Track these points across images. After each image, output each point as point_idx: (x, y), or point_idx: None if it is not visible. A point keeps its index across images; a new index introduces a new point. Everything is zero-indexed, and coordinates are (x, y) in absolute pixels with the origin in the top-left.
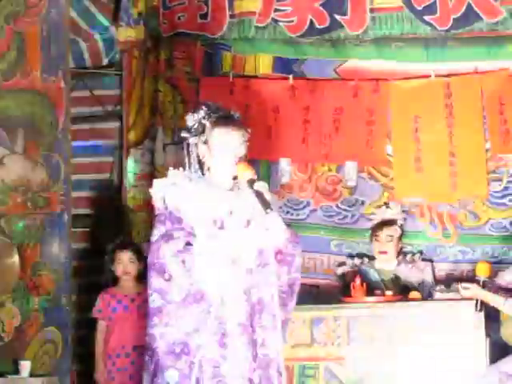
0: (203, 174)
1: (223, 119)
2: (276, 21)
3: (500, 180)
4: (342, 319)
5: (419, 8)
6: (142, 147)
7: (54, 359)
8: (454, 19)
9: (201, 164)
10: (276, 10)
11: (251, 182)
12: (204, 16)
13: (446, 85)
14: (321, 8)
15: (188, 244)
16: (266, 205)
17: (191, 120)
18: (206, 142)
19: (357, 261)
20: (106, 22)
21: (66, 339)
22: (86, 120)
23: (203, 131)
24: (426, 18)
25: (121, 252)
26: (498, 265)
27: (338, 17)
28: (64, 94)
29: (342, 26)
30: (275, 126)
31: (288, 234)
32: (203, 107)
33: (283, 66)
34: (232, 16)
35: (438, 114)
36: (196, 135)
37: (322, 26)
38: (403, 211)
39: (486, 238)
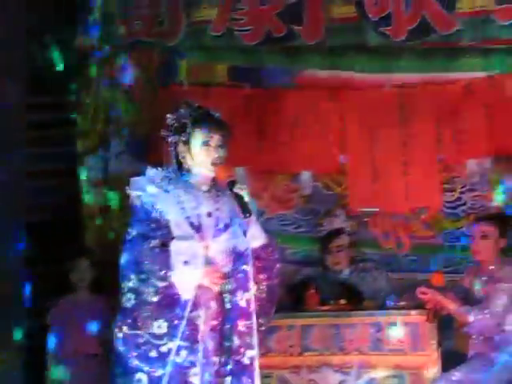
0: (182, 174)
1: (205, 120)
2: (232, 30)
3: (453, 191)
4: (295, 328)
5: (374, 19)
6: (95, 155)
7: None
8: (408, 31)
9: (180, 164)
10: (232, 19)
11: (232, 184)
12: (160, 24)
13: (400, 95)
14: (277, 17)
15: (164, 245)
16: (245, 209)
17: (171, 119)
18: (186, 142)
19: (311, 270)
20: (63, 29)
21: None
22: (41, 127)
23: (184, 130)
24: (381, 29)
25: (77, 260)
26: (451, 275)
27: (294, 26)
28: (19, 100)
29: (298, 36)
30: (231, 135)
31: (267, 240)
32: (184, 106)
33: (239, 74)
34: (188, 24)
35: (392, 124)
36: (176, 134)
37: (278, 36)
38: (359, 221)
39: (438, 248)
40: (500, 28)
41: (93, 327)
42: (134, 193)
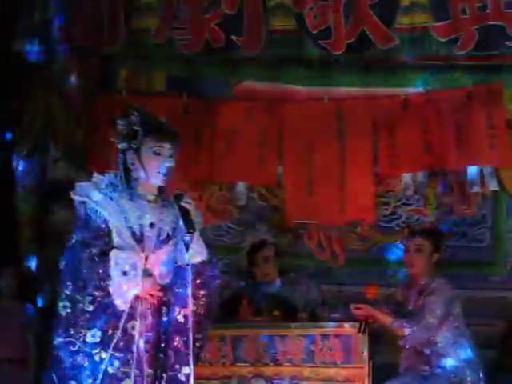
0: (128, 182)
1: (156, 128)
2: (172, 38)
3: (388, 204)
4: (227, 338)
5: (314, 31)
6: (32, 159)
7: None
8: (348, 44)
9: (127, 171)
10: (173, 28)
11: (178, 197)
12: (100, 31)
13: (338, 109)
14: (217, 28)
15: (104, 254)
16: (189, 224)
17: (121, 124)
18: (136, 150)
19: (243, 281)
20: (1, 33)
21: None
22: None
23: (135, 138)
24: (321, 42)
25: (3, 267)
26: (384, 288)
27: (234, 37)
28: None
29: (237, 46)
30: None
31: (208, 256)
32: (134, 112)
33: (178, 84)
34: (128, 32)
35: (329, 137)
36: (125, 141)
37: (217, 46)
38: (295, 233)
39: (372, 261)
40: (438, 44)
41: (16, 333)
42: (78, 198)
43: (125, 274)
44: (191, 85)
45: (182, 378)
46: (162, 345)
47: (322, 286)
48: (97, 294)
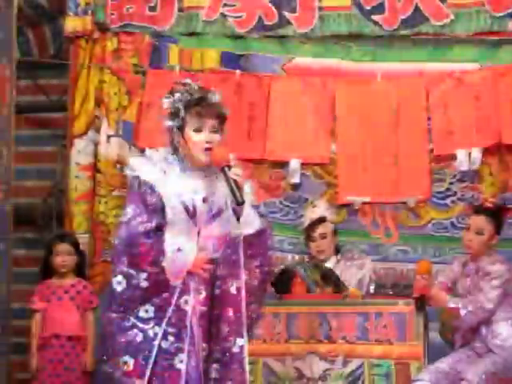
0: (179, 158)
1: (198, 104)
2: (224, 16)
3: (443, 181)
4: (281, 316)
5: (367, 7)
6: (85, 138)
7: None
8: (401, 20)
9: (176, 148)
10: (225, 5)
11: (225, 169)
12: (152, 8)
13: (391, 85)
14: (269, 4)
15: (158, 229)
16: (238, 195)
17: (166, 103)
18: (179, 128)
19: (297, 258)
20: (53, 12)
21: (4, 328)
22: (31, 109)
23: (177, 116)
24: (374, 17)
25: (59, 244)
26: (439, 265)
27: (286, 14)
28: (9, 83)
29: (290, 23)
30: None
31: (261, 227)
32: (180, 88)
33: (230, 61)
34: (180, 9)
35: (383, 113)
36: (170, 119)
37: (270, 23)
38: (348, 210)
39: (427, 238)
40: (493, 19)
41: (74, 310)
42: (131, 173)
43: (179, 249)
44: (243, 62)
45: (236, 350)
46: (216, 319)
47: (376, 263)
48: (151, 269)
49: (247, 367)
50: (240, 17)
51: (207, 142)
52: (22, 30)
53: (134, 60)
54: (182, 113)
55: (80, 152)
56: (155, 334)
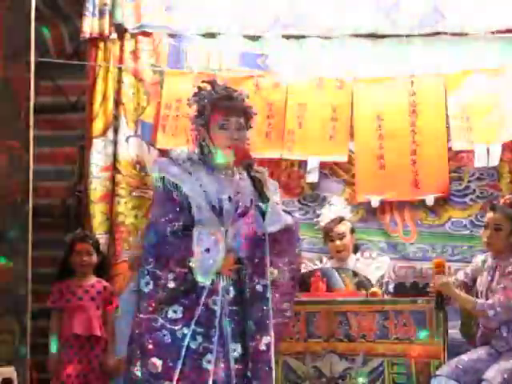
0: (204, 158)
1: (222, 102)
2: (242, 16)
3: (461, 179)
4: (301, 314)
5: (385, 6)
6: (104, 139)
7: (11, 349)
8: (419, 18)
9: (201, 147)
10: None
11: (248, 168)
12: (169, 9)
13: (409, 83)
14: (287, 4)
15: (186, 229)
16: (262, 193)
17: (192, 102)
18: (204, 126)
19: (316, 257)
20: (71, 12)
21: (24, 328)
22: (50, 110)
23: (203, 114)
24: (392, 16)
25: (79, 244)
26: (458, 263)
27: (304, 13)
28: (27, 84)
29: (308, 23)
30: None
31: (287, 224)
32: (206, 87)
33: (248, 60)
34: (198, 10)
35: (401, 112)
36: (196, 117)
37: (288, 22)
38: (366, 208)
39: (446, 236)
40: None
41: (95, 310)
42: (156, 174)
43: (207, 250)
44: (261, 61)
45: (263, 348)
46: (244, 318)
47: (395, 261)
48: (179, 270)
49: (274, 365)
50: (258, 16)
51: (232, 139)
52: (39, 31)
53: (151, 60)
54: (208, 111)
55: (99, 153)
56: (184, 335)
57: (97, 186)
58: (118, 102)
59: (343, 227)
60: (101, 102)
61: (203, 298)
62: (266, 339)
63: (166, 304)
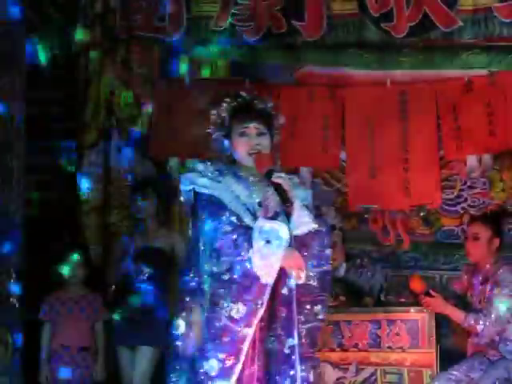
0: (231, 166)
1: (241, 110)
2: (233, 25)
3: (453, 188)
4: None
5: (376, 15)
6: (96, 149)
7: (3, 361)
8: (410, 27)
9: (227, 157)
10: (233, 15)
11: (269, 174)
12: (161, 19)
13: (401, 92)
14: (278, 13)
15: (236, 228)
16: (283, 197)
17: (213, 115)
18: (227, 136)
19: None
20: (62, 23)
21: (16, 340)
22: (41, 121)
23: (224, 125)
24: (383, 25)
25: (68, 255)
26: (450, 272)
27: (295, 22)
28: (19, 94)
29: (298, 32)
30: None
31: (315, 226)
32: (227, 98)
33: (239, 70)
34: (189, 19)
35: (392, 121)
36: (218, 130)
37: (278, 31)
38: (358, 217)
39: (437, 245)
40: (502, 25)
41: (85, 322)
42: (185, 187)
43: (268, 242)
44: (253, 71)
45: (287, 351)
46: (271, 320)
47: (387, 270)
48: (239, 267)
49: (299, 368)
50: (249, 26)
51: (252, 146)
52: (30, 40)
53: (143, 70)
54: (228, 121)
55: (91, 163)
56: (244, 335)
57: (89, 196)
58: (109, 112)
59: (334, 236)
60: (93, 112)
61: (266, 297)
62: (290, 341)
63: (228, 302)
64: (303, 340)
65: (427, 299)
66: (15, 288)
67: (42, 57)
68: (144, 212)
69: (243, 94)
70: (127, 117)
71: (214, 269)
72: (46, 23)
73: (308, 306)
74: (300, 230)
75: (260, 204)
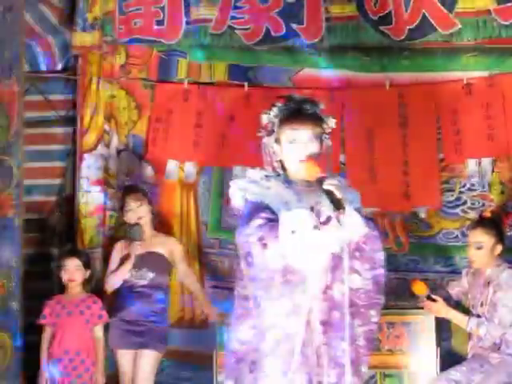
0: (281, 172)
1: (291, 115)
2: (232, 28)
3: (452, 190)
4: None
5: (375, 18)
6: (95, 153)
7: (3, 364)
8: (409, 30)
9: (277, 163)
10: (232, 18)
11: (320, 181)
12: (160, 22)
13: (400, 95)
14: (277, 16)
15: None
16: (337, 204)
17: (265, 118)
18: (277, 141)
19: None
20: (61, 27)
21: (16, 344)
22: (39, 124)
23: (274, 130)
24: (382, 28)
25: (67, 259)
26: (451, 275)
27: (293, 25)
28: (17, 98)
29: (297, 35)
30: (229, 134)
31: (366, 230)
32: (279, 102)
33: (238, 73)
34: (188, 23)
35: (391, 124)
36: (268, 135)
37: (277, 34)
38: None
39: (438, 247)
40: (501, 27)
41: (83, 326)
42: (236, 193)
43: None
44: (251, 74)
45: (340, 354)
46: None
47: (387, 273)
48: (277, 267)
49: (350, 372)
50: (248, 29)
51: (302, 154)
52: (29, 44)
53: (142, 74)
54: (277, 127)
55: (90, 167)
56: (293, 333)
57: (88, 200)
58: (108, 116)
59: None
60: (91, 116)
61: (306, 300)
62: (341, 345)
63: (272, 300)
64: (360, 343)
65: (429, 303)
66: (15, 291)
67: (41, 61)
68: (138, 217)
69: (295, 96)
70: (126, 121)
71: (252, 274)
72: (46, 27)
73: (363, 310)
74: (354, 235)
75: (312, 209)
